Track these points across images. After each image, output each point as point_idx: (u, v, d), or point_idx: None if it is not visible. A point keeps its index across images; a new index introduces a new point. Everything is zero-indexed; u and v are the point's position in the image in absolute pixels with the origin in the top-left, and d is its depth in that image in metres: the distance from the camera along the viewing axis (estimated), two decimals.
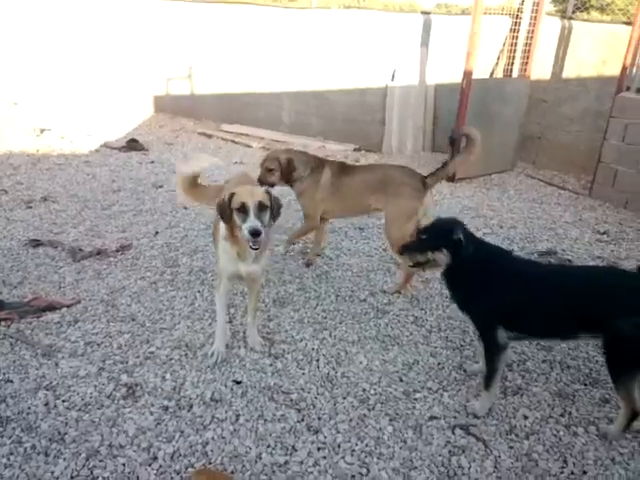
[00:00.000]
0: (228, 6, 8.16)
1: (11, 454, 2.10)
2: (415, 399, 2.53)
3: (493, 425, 2.38)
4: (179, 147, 7.10)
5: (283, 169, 3.51)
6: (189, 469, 2.08)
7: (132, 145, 6.64)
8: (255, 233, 2.36)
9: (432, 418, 2.41)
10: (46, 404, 2.38)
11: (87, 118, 8.22)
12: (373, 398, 2.52)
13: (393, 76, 7.06)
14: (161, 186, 5.41)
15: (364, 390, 2.57)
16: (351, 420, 2.38)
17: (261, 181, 3.54)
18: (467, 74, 5.78)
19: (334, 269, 3.81)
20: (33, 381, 2.52)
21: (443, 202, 5.34)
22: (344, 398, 2.51)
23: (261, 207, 2.45)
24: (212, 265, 3.73)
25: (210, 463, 2.11)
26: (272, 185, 3.53)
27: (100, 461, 2.09)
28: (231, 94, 8.66)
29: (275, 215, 2.58)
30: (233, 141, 7.86)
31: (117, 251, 3.92)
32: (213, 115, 8.92)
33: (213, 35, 8.46)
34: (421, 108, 7.32)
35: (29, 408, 2.34)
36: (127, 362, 2.69)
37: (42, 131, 7.14)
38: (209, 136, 7.99)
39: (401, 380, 2.65)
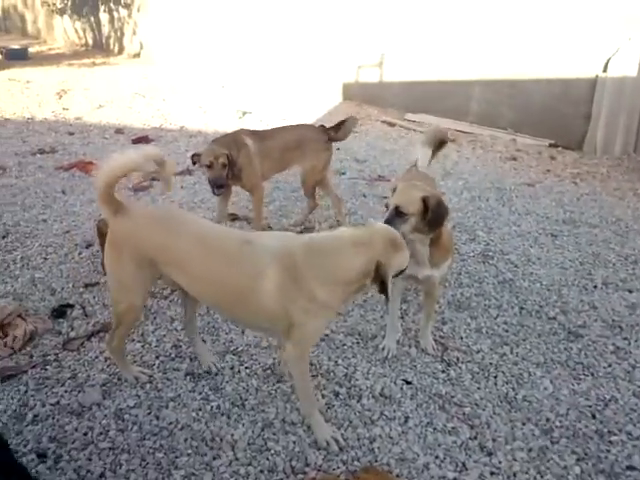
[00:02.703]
0: None
1: (199, 409, 2.31)
2: (610, 442, 2.20)
3: None
4: (363, 136, 7.18)
5: (231, 162, 3.52)
6: (355, 462, 2.08)
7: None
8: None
9: (631, 468, 2.08)
10: (232, 368, 2.58)
11: (282, 103, 8.76)
12: (558, 431, 2.25)
13: (606, 66, 6.25)
14: (344, 173, 5.53)
15: (547, 420, 2.32)
16: (530, 450, 2.16)
17: (216, 182, 3.52)
18: None
19: (519, 278, 3.50)
20: (222, 344, 2.75)
21: None
22: (523, 424, 2.29)
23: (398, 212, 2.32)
24: None
25: (376, 461, 2.08)
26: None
27: (273, 434, 2.20)
28: (418, 82, 8.50)
29: (432, 220, 2.30)
30: (415, 130, 7.72)
31: (301, 232, 4.10)
32: (398, 104, 8.86)
33: (405, 21, 8.35)
34: (638, 103, 6.36)
35: (217, 369, 2.56)
36: None
37: (244, 114, 7.80)
38: (392, 125, 7.97)
39: (594, 417, 2.33)
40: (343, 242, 1.97)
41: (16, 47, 13.07)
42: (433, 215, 2.26)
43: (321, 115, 8.35)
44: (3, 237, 3.79)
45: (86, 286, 3.21)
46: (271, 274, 1.90)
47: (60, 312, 2.91)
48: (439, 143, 3.26)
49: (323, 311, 1.97)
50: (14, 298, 3.04)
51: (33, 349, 2.63)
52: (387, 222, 2.26)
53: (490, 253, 3.80)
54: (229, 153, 3.54)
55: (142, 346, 2.69)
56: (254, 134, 3.89)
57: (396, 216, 2.31)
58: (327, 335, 2.82)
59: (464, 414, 2.33)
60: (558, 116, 6.80)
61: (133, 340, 2.74)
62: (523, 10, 6.87)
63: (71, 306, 2.98)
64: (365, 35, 9.01)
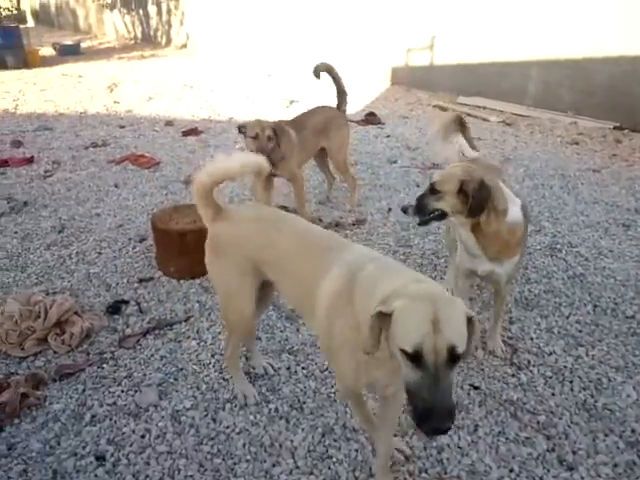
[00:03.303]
0: None
1: (257, 413, 2.23)
2: None
3: None
4: (414, 121, 6.95)
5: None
6: (423, 474, 1.95)
7: (370, 119, 6.71)
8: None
9: None
10: (288, 368, 2.49)
11: (328, 90, 8.59)
12: None
13: None
14: (395, 161, 5.34)
15: (633, 431, 2.11)
16: (616, 465, 1.97)
17: (263, 151, 3.25)
18: None
19: (591, 273, 3.25)
20: (278, 342, 2.66)
21: None
22: (606, 435, 2.10)
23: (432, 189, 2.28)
24: (445, 250, 3.52)
25: (445, 473, 1.95)
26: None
27: (334, 441, 2.09)
28: (471, 64, 8.15)
29: (473, 204, 2.17)
30: (469, 114, 7.39)
31: (353, 224, 3.97)
32: (450, 87, 8.53)
33: (457, 1, 8.00)
34: None
35: (274, 370, 2.47)
36: None
37: (291, 102, 7.70)
38: (444, 109, 7.67)
39: None
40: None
41: (69, 43, 13.43)
42: (473, 199, 2.16)
43: (369, 101, 8.16)
44: (59, 232, 3.84)
45: (140, 281, 3.19)
46: (333, 276, 1.77)
47: (115, 308, 2.90)
48: (461, 128, 3.07)
49: (356, 348, 1.56)
50: (71, 294, 3.05)
51: (89, 346, 2.62)
52: (420, 198, 2.30)
53: (558, 246, 3.55)
54: (276, 128, 3.49)
55: (197, 343, 2.64)
56: (292, 124, 3.83)
57: (430, 193, 2.28)
58: None
59: (538, 423, 2.16)
60: (625, 97, 6.35)
61: (189, 337, 2.69)
62: None
63: (126, 302, 2.97)
64: (415, 17, 8.70)
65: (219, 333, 2.71)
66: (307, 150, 3.92)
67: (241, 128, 3.56)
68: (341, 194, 4.57)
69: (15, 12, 12.40)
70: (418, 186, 4.68)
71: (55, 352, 2.56)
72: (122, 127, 6.51)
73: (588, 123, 6.68)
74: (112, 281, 3.20)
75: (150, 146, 5.76)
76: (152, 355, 2.57)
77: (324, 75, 4.24)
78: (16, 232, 3.84)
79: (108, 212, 4.18)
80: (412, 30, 8.81)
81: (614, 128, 6.44)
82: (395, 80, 9.44)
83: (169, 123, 6.63)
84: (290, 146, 3.63)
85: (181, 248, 3.14)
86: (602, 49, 6.43)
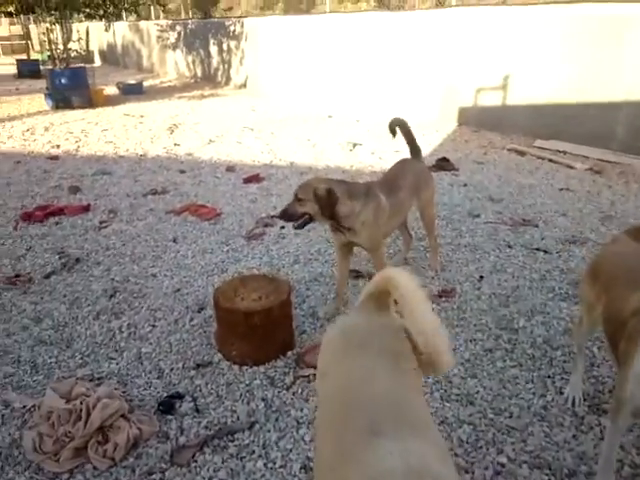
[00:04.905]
0: (552, 7, 7.06)
1: None
2: None
3: None
4: (490, 167, 6.37)
5: (322, 200, 2.81)
6: None
7: (442, 164, 6.19)
8: None
9: None
10: None
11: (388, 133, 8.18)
12: None
13: None
14: (478, 215, 4.76)
15: None
16: None
17: (288, 214, 2.89)
18: None
19: None
20: None
21: None
22: None
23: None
24: (560, 337, 2.90)
25: None
26: (303, 219, 2.91)
27: None
28: (547, 105, 7.53)
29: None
30: (551, 160, 6.75)
31: (439, 296, 3.41)
32: (523, 129, 7.92)
33: (530, 40, 7.47)
34: None
35: None
36: (473, 473, 2.09)
37: (354, 145, 7.29)
38: (521, 153, 7.05)
39: None
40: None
41: (132, 82, 13.72)
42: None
43: (437, 144, 7.65)
44: (111, 296, 3.48)
45: (197, 366, 2.74)
46: None
47: (168, 405, 2.44)
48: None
49: None
50: (118, 381, 2.64)
51: (136, 460, 2.16)
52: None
53: None
54: (330, 188, 2.85)
55: (265, 465, 2.13)
56: (383, 187, 3.25)
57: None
58: (503, 465, 2.10)
59: None
60: None
61: (253, 453, 2.19)
62: None
63: (181, 397, 2.52)
64: (484, 56, 8.21)
65: (290, 451, 2.20)
66: (400, 215, 3.41)
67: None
68: (418, 255, 4.04)
69: (83, 53, 12.76)
70: (510, 247, 4.08)
71: (95, 467, 2.12)
72: (182, 172, 6.26)
73: None
74: (166, 365, 2.77)
75: (211, 194, 5.43)
76: (210, 478, 2.07)
77: (385, 114, 3.87)
78: (65, 295, 3.51)
79: (165, 272, 3.81)
80: (482, 68, 8.31)
81: None
82: (463, 121, 8.91)
83: (230, 169, 6.33)
84: (376, 212, 3.04)
85: (246, 330, 2.69)
86: None
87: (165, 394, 2.53)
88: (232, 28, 13.82)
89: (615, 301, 1.95)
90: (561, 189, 5.44)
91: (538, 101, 7.66)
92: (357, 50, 10.32)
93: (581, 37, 6.89)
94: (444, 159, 6.34)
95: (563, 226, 4.44)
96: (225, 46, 14.29)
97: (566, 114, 7.29)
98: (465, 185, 5.62)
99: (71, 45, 11.86)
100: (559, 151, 7.15)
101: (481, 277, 3.65)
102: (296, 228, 2.96)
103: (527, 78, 7.72)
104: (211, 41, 14.86)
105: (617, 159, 6.64)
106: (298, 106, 10.74)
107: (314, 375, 2.62)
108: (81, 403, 2.27)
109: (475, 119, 8.68)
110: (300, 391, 2.54)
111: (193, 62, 16.15)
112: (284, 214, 2.91)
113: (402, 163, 3.67)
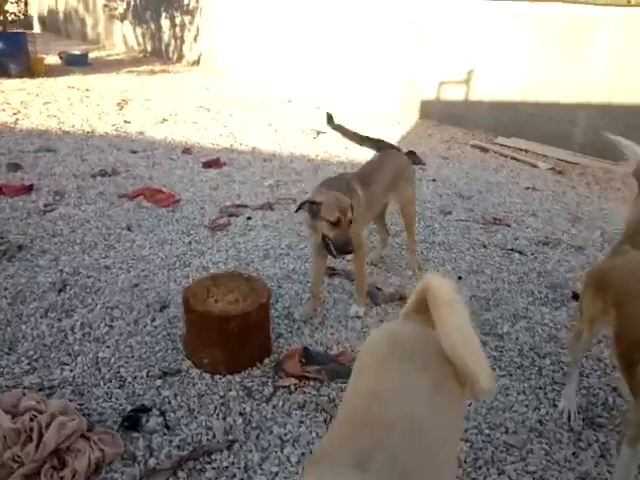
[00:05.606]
0: (520, 3, 7.06)
1: None
2: None
3: None
4: (456, 163, 6.31)
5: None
6: None
7: (411, 158, 6.04)
8: None
9: None
10: None
11: (353, 118, 7.98)
12: None
13: None
14: (449, 212, 4.66)
15: None
16: None
17: (344, 247, 2.67)
18: None
19: None
20: None
21: None
22: None
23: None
24: (545, 345, 2.82)
25: None
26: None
27: None
28: (510, 103, 7.57)
29: None
30: (514, 158, 6.79)
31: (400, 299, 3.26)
32: (486, 126, 7.94)
33: (496, 36, 7.47)
34: None
35: None
36: None
37: (318, 133, 7.05)
38: (485, 150, 7.06)
39: None
40: None
41: (77, 52, 12.80)
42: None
43: (400, 136, 7.53)
44: (60, 291, 3.10)
45: (164, 374, 2.46)
46: None
47: (134, 421, 2.15)
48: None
49: None
50: (73, 391, 2.32)
51: None
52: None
53: None
54: (352, 204, 2.73)
55: None
56: (360, 179, 3.08)
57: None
58: None
59: None
60: None
61: (234, 477, 1.95)
62: None
63: (147, 410, 2.23)
64: (448, 49, 8.15)
65: (276, 474, 1.97)
66: (373, 211, 3.23)
67: (313, 205, 2.65)
68: (393, 253, 3.88)
69: (22, 17, 11.72)
70: (485, 247, 3.99)
71: None
72: (134, 152, 5.81)
73: None
74: (127, 372, 2.47)
75: (167, 178, 5.05)
76: None
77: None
78: (6, 288, 3.11)
79: (120, 265, 3.45)
80: (446, 62, 8.24)
81: None
82: (424, 114, 8.84)
83: (187, 151, 5.94)
84: (358, 209, 2.83)
85: (220, 335, 2.43)
86: None
87: (129, 407, 2.24)
88: (186, 2, 13.13)
89: (632, 318, 1.84)
90: (527, 188, 5.44)
91: (501, 98, 7.68)
92: (318, 32, 10.00)
93: (547, 36, 6.94)
94: (412, 152, 6.19)
95: (534, 226, 4.41)
96: (178, 20, 13.57)
97: (528, 112, 7.34)
98: (434, 180, 5.52)
99: (8, 7, 10.86)
100: (520, 149, 7.20)
101: (459, 278, 3.53)
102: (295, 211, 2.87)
103: (491, 74, 7.72)
104: (163, 14, 14.07)
105: (576, 160, 6.75)
106: (255, 87, 10.32)
107: (295, 385, 2.41)
108: (31, 420, 1.95)
109: (437, 113, 8.62)
110: (281, 404, 2.32)
111: (143, 35, 15.27)
112: (344, 247, 2.63)
113: (384, 156, 3.48)
